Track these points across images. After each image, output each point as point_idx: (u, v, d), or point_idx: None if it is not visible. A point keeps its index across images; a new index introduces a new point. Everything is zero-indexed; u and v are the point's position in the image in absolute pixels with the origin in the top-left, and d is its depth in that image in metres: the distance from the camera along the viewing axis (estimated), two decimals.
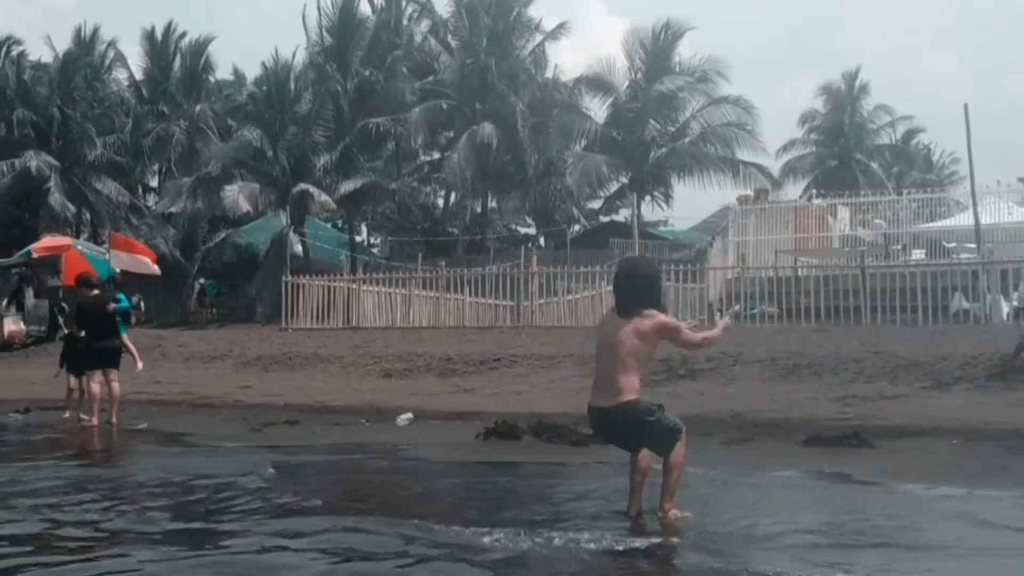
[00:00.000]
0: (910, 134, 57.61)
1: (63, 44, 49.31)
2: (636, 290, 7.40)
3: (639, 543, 6.45)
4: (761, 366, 16.68)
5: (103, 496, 8.89)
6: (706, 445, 11.05)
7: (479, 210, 46.51)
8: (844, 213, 33.80)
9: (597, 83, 44.10)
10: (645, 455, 7.33)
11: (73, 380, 16.15)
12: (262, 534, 7.09)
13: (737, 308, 24.87)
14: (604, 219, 48.12)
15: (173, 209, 44.43)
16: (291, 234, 39.67)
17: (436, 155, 47.51)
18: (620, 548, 6.34)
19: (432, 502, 8.70)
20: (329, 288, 28.10)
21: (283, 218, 42.47)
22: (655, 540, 6.52)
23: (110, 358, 15.50)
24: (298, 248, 40.62)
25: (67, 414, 15.90)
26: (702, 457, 9.97)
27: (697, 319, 24.32)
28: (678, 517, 7.11)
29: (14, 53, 49.54)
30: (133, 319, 31.93)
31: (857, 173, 51.20)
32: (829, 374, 15.76)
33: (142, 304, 37.60)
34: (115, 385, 15.42)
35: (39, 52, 51.49)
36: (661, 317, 7.34)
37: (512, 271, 27.29)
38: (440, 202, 51.27)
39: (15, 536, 7.30)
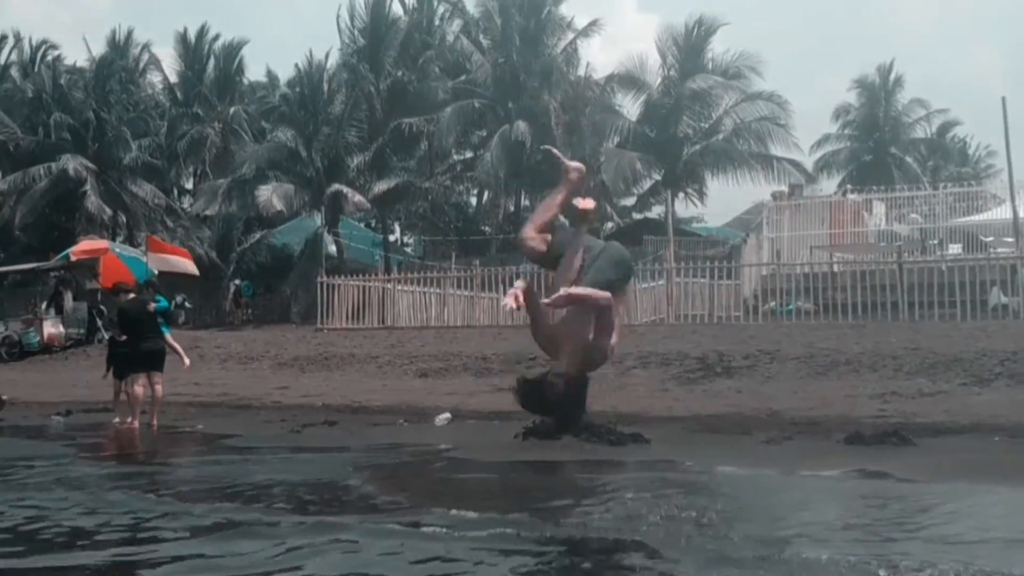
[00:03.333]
0: (946, 127, 57.13)
1: (98, 47, 49.79)
2: None
3: (701, 539, 6.39)
4: (798, 363, 16.60)
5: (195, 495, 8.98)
6: (746, 443, 11.02)
7: (512, 208, 46.51)
8: (879, 208, 33.57)
9: (629, 80, 43.98)
10: None
11: (118, 383, 16.27)
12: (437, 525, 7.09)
13: (772, 304, 24.91)
14: (638, 216, 48.02)
15: (208, 211, 44.73)
16: (325, 234, 39.81)
17: (469, 154, 47.54)
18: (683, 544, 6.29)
19: (511, 499, 8.68)
20: (364, 288, 28.22)
21: (317, 219, 42.65)
22: (710, 536, 6.47)
23: (155, 360, 15.65)
24: (332, 248, 40.74)
25: (116, 419, 16.02)
26: (744, 456, 9.96)
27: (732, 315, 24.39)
28: None
29: (50, 57, 50.15)
30: (181, 319, 32.23)
31: (892, 167, 50.91)
32: (867, 371, 15.68)
33: (186, 303, 37.94)
34: (158, 388, 15.57)
35: (74, 56, 51.99)
36: None
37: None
38: (473, 201, 51.34)
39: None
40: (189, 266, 29.69)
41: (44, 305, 30.82)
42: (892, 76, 53.39)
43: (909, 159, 53.54)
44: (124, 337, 15.82)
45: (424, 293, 27.90)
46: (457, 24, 47.22)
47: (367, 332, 25.93)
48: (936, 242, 30.73)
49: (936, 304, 22.11)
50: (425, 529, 6.92)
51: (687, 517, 7.05)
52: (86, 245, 31.62)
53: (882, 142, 53.24)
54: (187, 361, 16.61)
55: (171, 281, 29.47)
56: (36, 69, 49.66)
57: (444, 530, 6.80)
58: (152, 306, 15.84)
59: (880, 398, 13.81)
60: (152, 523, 7.56)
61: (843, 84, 65.37)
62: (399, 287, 28.21)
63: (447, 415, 14.49)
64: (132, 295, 16.27)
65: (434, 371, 19.39)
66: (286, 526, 7.24)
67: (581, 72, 45.91)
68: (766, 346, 18.05)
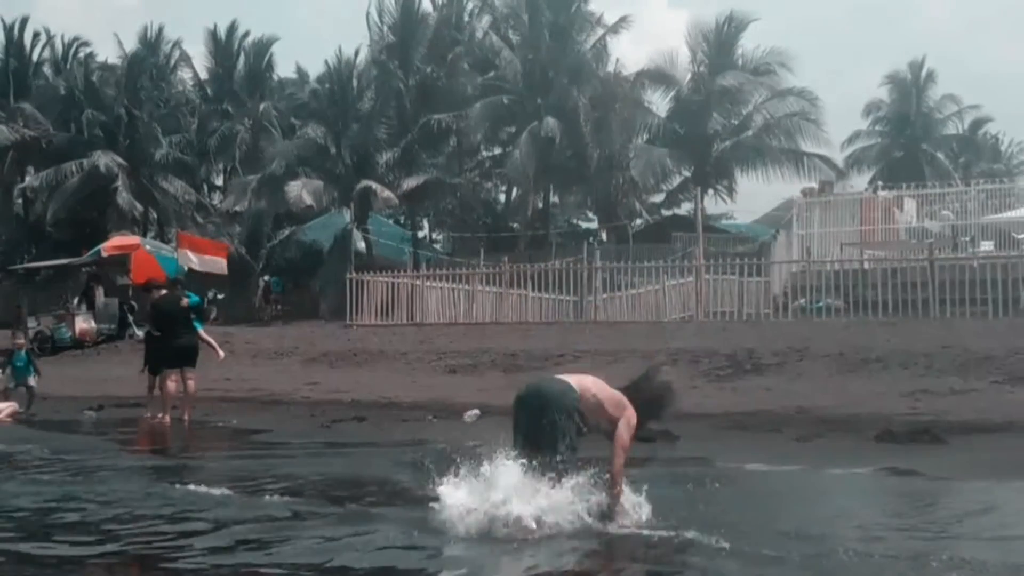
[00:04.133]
0: (978, 123, 56.65)
1: (129, 45, 50.03)
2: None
3: (736, 536, 6.33)
4: (828, 361, 16.52)
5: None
6: (776, 441, 11.00)
7: (541, 205, 46.47)
8: (911, 205, 33.32)
9: (659, 76, 43.90)
10: None
11: (152, 378, 16.32)
12: None
13: (802, 302, 24.80)
14: (667, 213, 47.90)
15: (238, 207, 44.85)
16: (355, 231, 39.92)
17: (497, 150, 47.53)
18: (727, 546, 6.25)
19: None
20: (393, 285, 28.24)
21: (346, 215, 42.74)
22: (742, 532, 6.41)
23: (187, 356, 15.71)
24: (361, 245, 40.82)
25: (148, 414, 16.09)
26: (774, 453, 9.93)
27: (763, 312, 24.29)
28: None
29: (82, 54, 50.44)
30: (213, 314, 32.37)
31: (923, 164, 50.47)
32: (898, 369, 15.59)
33: (218, 296, 38.17)
34: (191, 383, 15.64)
35: (106, 53, 52.26)
36: None
37: (575, 266, 27.29)
38: (502, 197, 51.32)
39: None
40: (220, 265, 29.73)
41: (76, 300, 30.95)
42: (924, 72, 53.01)
43: (940, 155, 53.11)
44: (158, 333, 15.92)
45: (453, 290, 27.90)
46: (486, 20, 47.13)
47: (396, 328, 25.97)
48: (968, 239, 30.48)
49: (968, 302, 21.92)
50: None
51: (718, 513, 7.03)
52: (118, 241, 31.82)
53: (913, 138, 52.83)
54: (221, 354, 16.70)
55: (202, 277, 29.58)
56: (68, 66, 50.02)
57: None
58: (185, 302, 15.92)
59: (911, 396, 13.73)
60: (197, 514, 7.66)
61: (874, 80, 64.99)
62: (428, 284, 28.21)
63: (476, 411, 14.49)
64: (164, 291, 16.36)
65: (463, 367, 19.39)
66: (320, 517, 7.33)
67: (610, 68, 45.73)
68: (796, 343, 17.97)
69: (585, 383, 7.14)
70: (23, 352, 18.37)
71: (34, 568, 6.37)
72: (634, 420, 7.12)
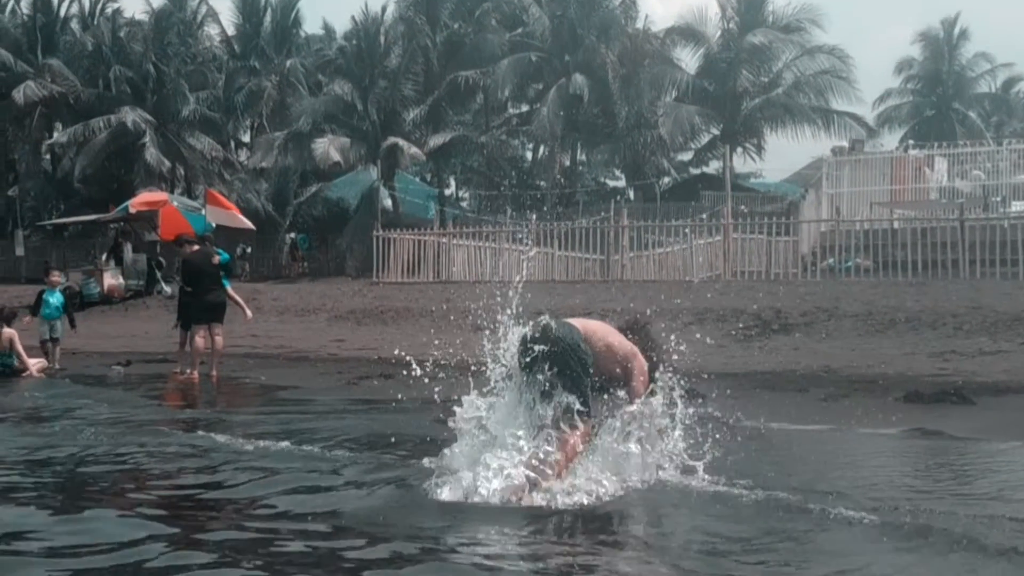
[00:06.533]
0: (1011, 82, 56.04)
1: (157, 1, 49.95)
2: None
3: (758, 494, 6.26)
4: (856, 321, 16.47)
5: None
6: (803, 401, 10.96)
7: (568, 163, 46.34)
8: (941, 164, 33.03)
9: (688, 33, 43.67)
10: None
11: (184, 334, 16.34)
12: None
13: (831, 261, 24.69)
14: (695, 171, 47.68)
15: (265, 164, 44.83)
16: (381, 188, 39.90)
17: (525, 108, 47.40)
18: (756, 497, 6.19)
19: None
20: (419, 242, 28.26)
21: (373, 172, 42.70)
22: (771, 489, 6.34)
23: (216, 312, 15.75)
24: (388, 202, 40.84)
25: (176, 369, 16.17)
26: (801, 413, 9.89)
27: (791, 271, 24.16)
28: None
29: (109, 10, 50.36)
30: (242, 270, 32.46)
31: (955, 123, 50.13)
32: (927, 329, 15.53)
33: (247, 250, 38.29)
34: (218, 339, 15.70)
35: (133, 9, 52.27)
36: None
37: (602, 225, 27.20)
38: (529, 155, 51.17)
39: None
40: (245, 221, 29.74)
41: (104, 256, 31.14)
42: (956, 29, 52.45)
43: (972, 114, 52.67)
44: (189, 288, 15.95)
45: (479, 248, 27.91)
46: None
47: (422, 286, 26.01)
48: (999, 199, 30.22)
49: (998, 262, 21.79)
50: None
51: (755, 471, 6.99)
52: (146, 197, 31.87)
53: (945, 97, 52.39)
54: (249, 313, 16.73)
55: (231, 232, 29.64)
56: (96, 22, 49.96)
57: None
58: (216, 258, 15.95)
59: (940, 357, 13.67)
60: (222, 464, 7.74)
61: (907, 37, 64.37)
62: (454, 241, 28.23)
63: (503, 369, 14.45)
64: (196, 247, 16.38)
65: (489, 325, 19.35)
66: (343, 467, 7.40)
67: (639, 25, 45.53)
68: (824, 303, 17.91)
69: (590, 327, 6.97)
70: (57, 291, 18.03)
71: (79, 510, 6.42)
72: (645, 368, 7.00)
